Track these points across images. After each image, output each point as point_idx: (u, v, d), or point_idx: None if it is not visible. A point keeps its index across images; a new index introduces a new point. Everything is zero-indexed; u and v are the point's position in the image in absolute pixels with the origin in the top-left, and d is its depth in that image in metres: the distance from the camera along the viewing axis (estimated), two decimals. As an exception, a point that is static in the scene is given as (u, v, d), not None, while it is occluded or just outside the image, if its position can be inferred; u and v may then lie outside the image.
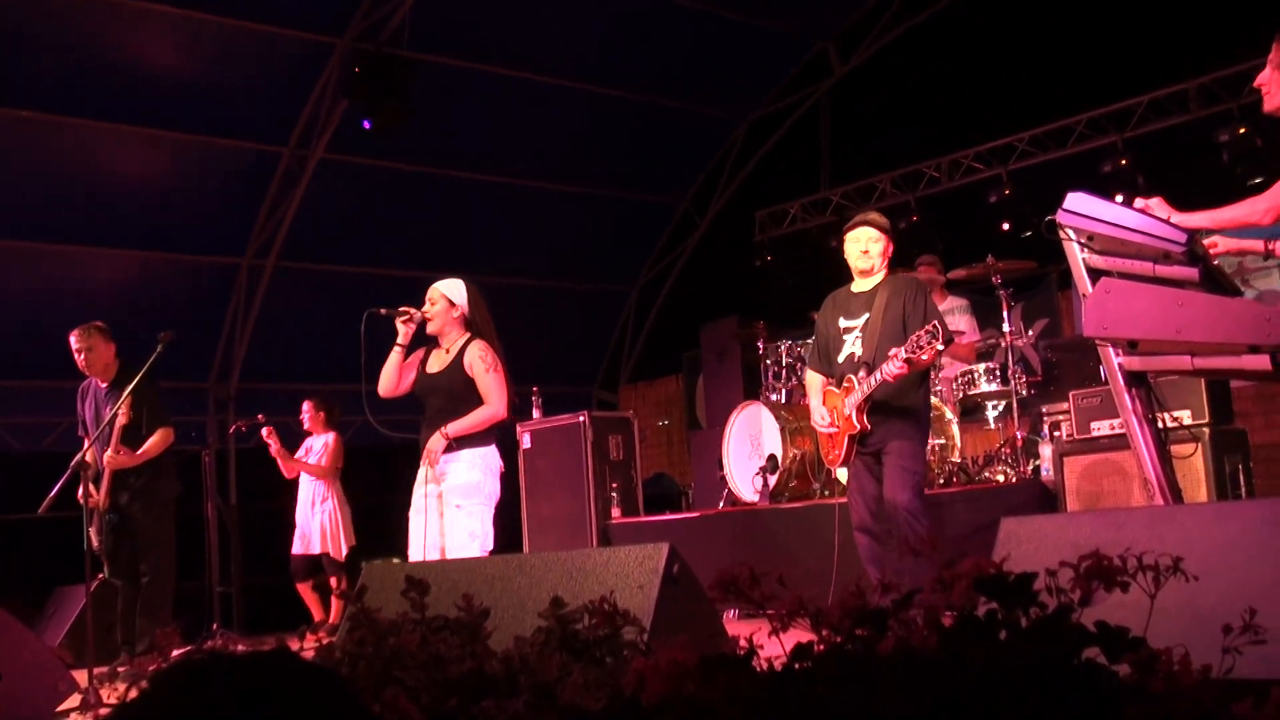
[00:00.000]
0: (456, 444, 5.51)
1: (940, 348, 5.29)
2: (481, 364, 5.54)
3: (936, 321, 5.28)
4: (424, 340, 5.82)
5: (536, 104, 11.06)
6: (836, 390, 5.75)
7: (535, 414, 9.47)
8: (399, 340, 5.75)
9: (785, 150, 12.48)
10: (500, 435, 5.76)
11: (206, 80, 9.73)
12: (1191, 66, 9.42)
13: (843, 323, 5.82)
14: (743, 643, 1.60)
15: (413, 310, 5.71)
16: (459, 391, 5.56)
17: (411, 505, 5.64)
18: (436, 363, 5.72)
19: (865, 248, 5.77)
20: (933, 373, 8.00)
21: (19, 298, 9.99)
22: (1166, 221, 4.15)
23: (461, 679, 1.94)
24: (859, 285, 5.87)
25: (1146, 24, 9.87)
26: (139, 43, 9.40)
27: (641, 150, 12.20)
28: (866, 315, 5.71)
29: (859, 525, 5.72)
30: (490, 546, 5.51)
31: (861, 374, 5.57)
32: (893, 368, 5.32)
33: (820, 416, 5.80)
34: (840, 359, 5.79)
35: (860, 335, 5.70)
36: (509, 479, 9.72)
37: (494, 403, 5.52)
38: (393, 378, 5.78)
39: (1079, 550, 2.41)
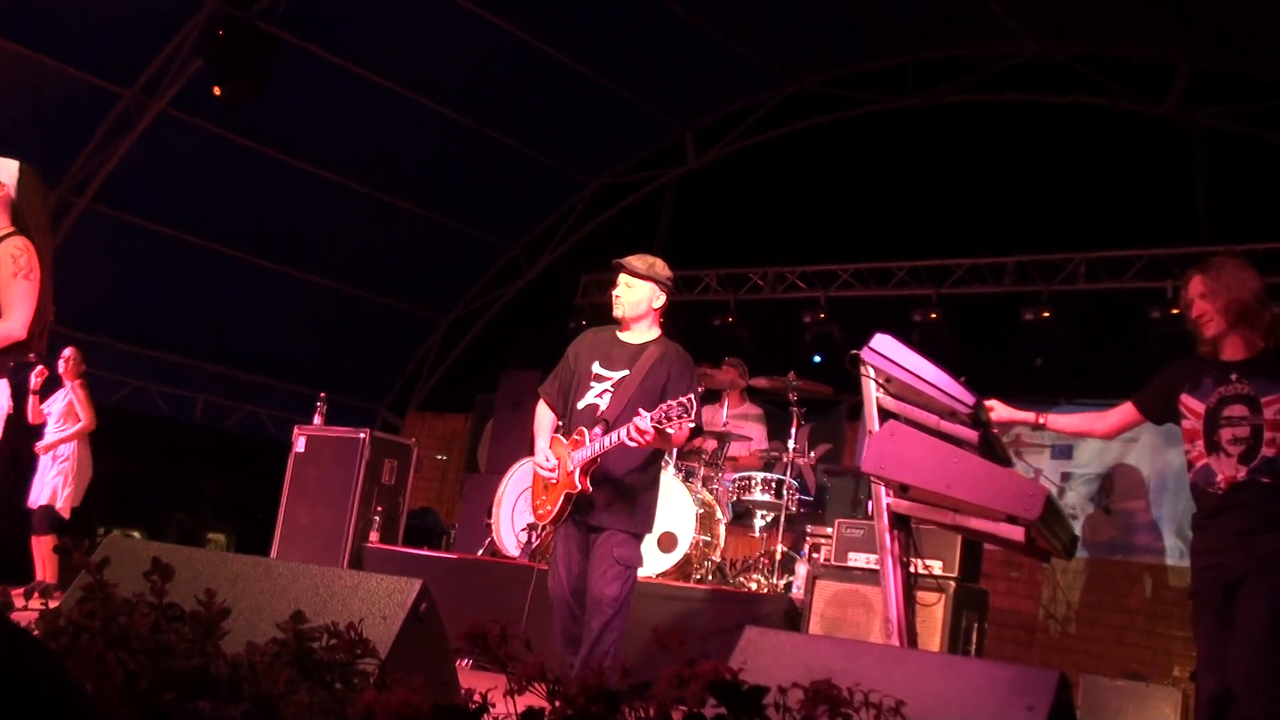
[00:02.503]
0: None
1: (691, 425, 4.89)
2: (12, 265, 4.32)
3: (693, 396, 4.82)
4: None
5: (395, 116, 10.98)
6: (564, 441, 5.20)
7: (316, 419, 9.27)
8: None
9: (625, 222, 12.66)
10: (19, 371, 4.52)
11: (61, 2, 9.34)
12: (1013, 244, 9.98)
13: (597, 368, 5.25)
14: (476, 697, 1.62)
15: None
16: None
17: None
18: None
19: (618, 293, 5.31)
20: (715, 470, 8.18)
21: None
22: (961, 383, 4.37)
23: (184, 674, 1.90)
24: (628, 335, 5.34)
25: (982, 195, 10.44)
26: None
27: (487, 188, 12.21)
28: (626, 372, 5.18)
29: (559, 594, 5.19)
30: None
31: (597, 430, 5.05)
32: (636, 430, 4.82)
33: (545, 458, 5.19)
34: (581, 405, 5.21)
35: (612, 390, 5.14)
36: (269, 478, 9.53)
37: (14, 319, 4.28)
38: None
39: (812, 671, 2.50)
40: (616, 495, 5.12)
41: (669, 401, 4.82)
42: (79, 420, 9.08)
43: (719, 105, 11.83)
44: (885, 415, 4.47)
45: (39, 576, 8.89)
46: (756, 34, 10.63)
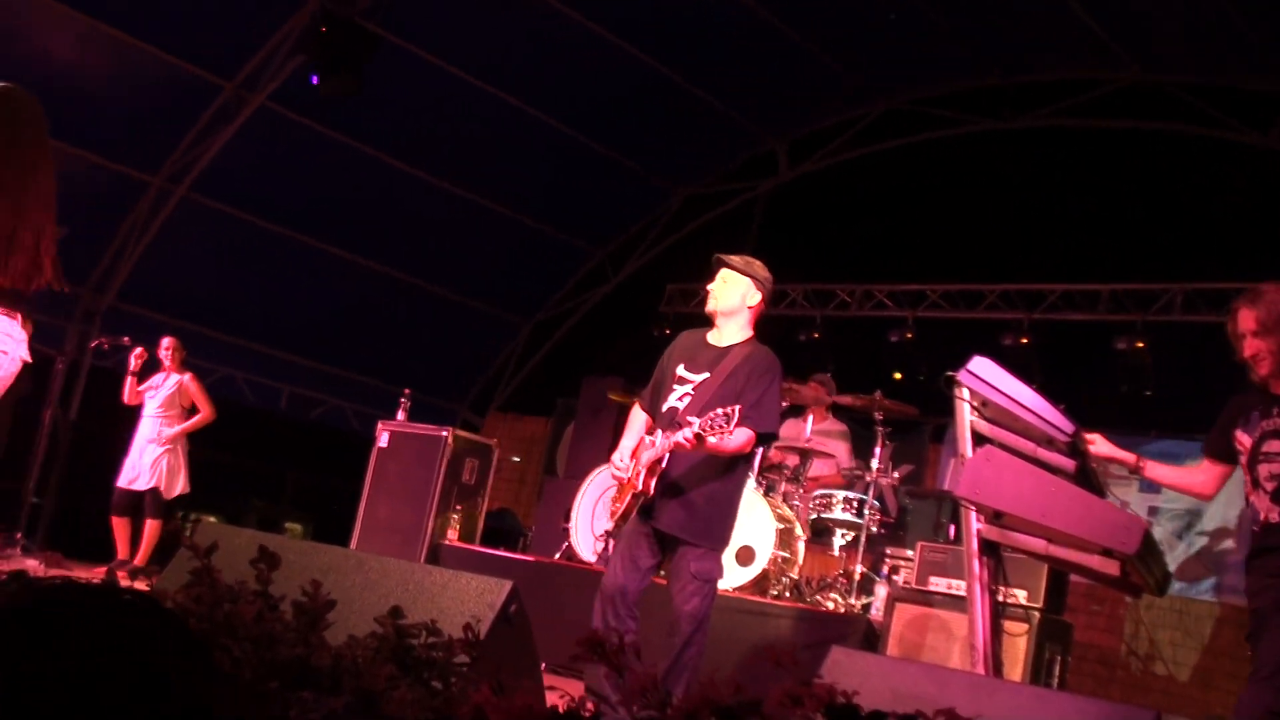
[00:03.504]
0: None
1: (731, 431, 4.57)
2: None
3: (738, 407, 4.60)
4: None
5: (489, 118, 11.05)
6: (648, 441, 5.10)
7: (400, 416, 9.36)
8: None
9: (713, 232, 12.58)
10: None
11: (170, -8, 9.54)
12: (1109, 271, 9.80)
13: (682, 370, 5.12)
14: (589, 705, 1.60)
15: None
16: None
17: None
18: None
19: (712, 287, 5.24)
20: (796, 486, 8.11)
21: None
22: (1060, 410, 4.29)
23: (288, 664, 1.90)
24: (715, 336, 5.21)
25: (1077, 220, 10.26)
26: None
27: (576, 193, 12.26)
28: (707, 375, 5.02)
29: (611, 591, 4.96)
30: None
31: (666, 433, 4.94)
32: (680, 437, 4.71)
33: (621, 458, 5.12)
34: (664, 407, 5.09)
35: (691, 394, 5.00)
36: (350, 471, 9.59)
37: None
38: None
39: (899, 696, 2.45)
40: (691, 507, 4.94)
41: (713, 411, 4.64)
42: (185, 409, 9.22)
43: (813, 119, 11.77)
44: (979, 439, 4.39)
45: (121, 556, 9.01)
46: (852, 49, 10.56)
